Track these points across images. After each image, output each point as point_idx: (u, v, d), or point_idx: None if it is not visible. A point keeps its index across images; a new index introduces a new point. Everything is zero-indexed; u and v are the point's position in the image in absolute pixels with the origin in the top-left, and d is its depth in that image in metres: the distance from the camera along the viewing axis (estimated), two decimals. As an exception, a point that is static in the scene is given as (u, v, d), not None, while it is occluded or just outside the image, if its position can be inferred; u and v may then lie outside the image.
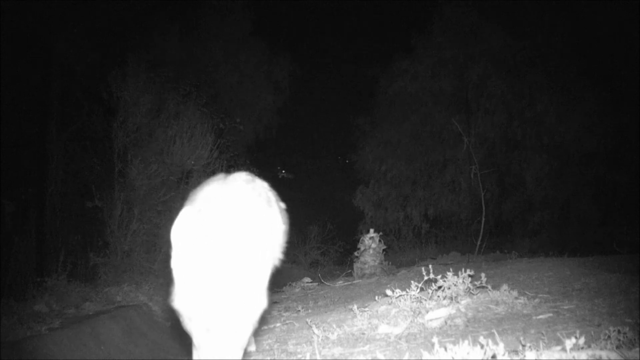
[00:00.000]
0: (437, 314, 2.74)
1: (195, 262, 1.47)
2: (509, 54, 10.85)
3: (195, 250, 1.47)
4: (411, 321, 2.71)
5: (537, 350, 1.75)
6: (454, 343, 1.76)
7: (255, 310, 1.55)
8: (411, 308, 2.90)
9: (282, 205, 2.26)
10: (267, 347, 2.80)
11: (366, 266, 6.31)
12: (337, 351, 2.41)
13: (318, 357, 2.34)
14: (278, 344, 2.84)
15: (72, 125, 6.61)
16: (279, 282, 6.25)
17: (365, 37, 14.85)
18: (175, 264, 1.51)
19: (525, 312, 2.63)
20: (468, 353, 1.67)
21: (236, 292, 1.47)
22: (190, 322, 1.47)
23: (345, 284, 5.80)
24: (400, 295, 3.03)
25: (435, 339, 1.82)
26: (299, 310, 4.06)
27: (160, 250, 6.02)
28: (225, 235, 1.54)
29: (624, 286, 3.02)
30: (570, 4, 10.38)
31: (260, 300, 1.57)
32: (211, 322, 1.44)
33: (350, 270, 7.04)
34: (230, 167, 7.47)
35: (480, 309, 2.78)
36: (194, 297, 1.45)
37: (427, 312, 2.80)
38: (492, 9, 10.95)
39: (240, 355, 1.51)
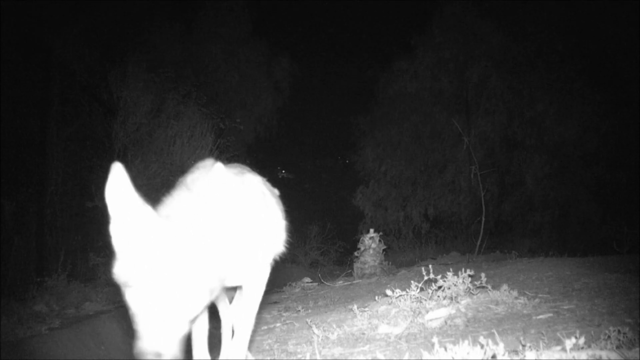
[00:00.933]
0: (437, 314, 2.74)
1: (135, 228, 1.33)
2: (509, 54, 10.86)
3: (133, 214, 1.33)
4: (411, 321, 2.71)
5: (537, 350, 1.75)
6: (454, 343, 1.76)
7: (201, 296, 1.39)
8: (411, 308, 2.90)
9: (277, 193, 2.23)
10: (267, 347, 2.80)
11: (366, 266, 6.31)
12: (337, 351, 2.41)
13: (318, 357, 2.34)
14: (278, 344, 2.84)
15: (72, 125, 6.60)
16: (279, 282, 6.25)
17: (365, 37, 14.88)
18: (113, 229, 1.35)
19: (525, 312, 2.63)
20: (468, 353, 1.67)
21: (179, 270, 1.32)
22: (130, 298, 1.32)
23: (345, 284, 5.79)
24: (400, 295, 3.03)
25: (435, 339, 1.82)
26: (299, 310, 4.06)
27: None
28: (190, 215, 1.46)
29: (624, 286, 3.02)
30: (571, 4, 10.38)
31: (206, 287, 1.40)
32: (150, 299, 1.29)
33: (350, 270, 7.05)
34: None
35: (480, 309, 2.78)
36: (135, 268, 1.31)
37: (427, 312, 2.80)
38: (492, 9, 10.96)
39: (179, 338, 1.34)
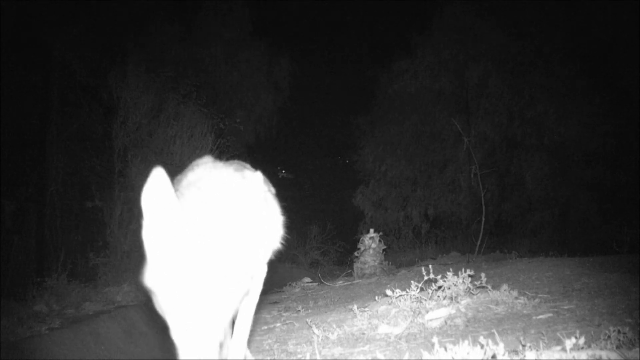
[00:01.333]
0: (437, 314, 2.74)
1: (169, 233, 1.32)
2: (509, 54, 10.85)
3: (169, 219, 1.33)
4: (411, 321, 2.71)
5: (537, 350, 1.75)
6: (454, 343, 1.76)
7: (233, 295, 1.42)
8: (411, 308, 2.90)
9: (274, 191, 2.24)
10: (267, 347, 2.80)
11: (366, 266, 6.31)
12: (337, 351, 2.41)
13: (318, 357, 2.34)
14: (278, 344, 2.84)
15: (72, 125, 6.60)
16: (279, 282, 6.25)
17: (365, 37, 14.88)
18: (146, 235, 1.35)
19: (525, 312, 2.63)
20: (468, 353, 1.67)
21: (212, 272, 1.34)
22: (163, 302, 1.32)
23: (345, 284, 5.80)
24: (400, 295, 3.03)
25: (435, 339, 1.82)
26: (299, 310, 4.06)
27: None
28: (205, 215, 1.47)
29: (624, 286, 3.02)
30: (571, 4, 10.38)
31: (237, 285, 1.43)
32: (184, 303, 1.29)
33: (350, 270, 7.05)
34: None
35: (480, 309, 2.78)
36: (167, 273, 1.30)
37: (427, 312, 2.80)
38: (492, 9, 10.96)
39: (216, 342, 1.35)
